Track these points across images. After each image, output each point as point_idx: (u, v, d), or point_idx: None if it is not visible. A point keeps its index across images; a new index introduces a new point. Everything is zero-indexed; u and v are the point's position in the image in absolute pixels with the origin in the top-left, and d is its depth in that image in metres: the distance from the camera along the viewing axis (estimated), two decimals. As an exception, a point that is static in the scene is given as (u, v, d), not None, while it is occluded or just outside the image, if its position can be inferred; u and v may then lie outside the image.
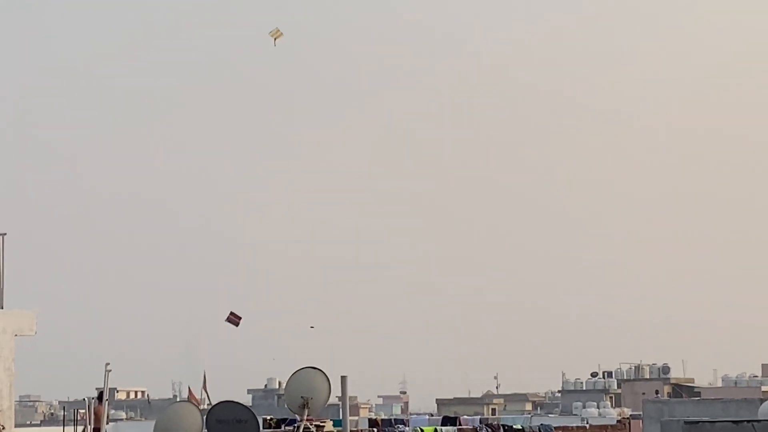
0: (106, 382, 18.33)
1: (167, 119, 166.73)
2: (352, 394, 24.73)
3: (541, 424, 25.43)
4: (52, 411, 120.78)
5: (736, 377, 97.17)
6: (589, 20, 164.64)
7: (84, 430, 18.62)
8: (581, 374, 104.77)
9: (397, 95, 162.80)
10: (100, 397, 21.98)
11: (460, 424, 26.44)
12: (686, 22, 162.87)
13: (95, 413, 21.56)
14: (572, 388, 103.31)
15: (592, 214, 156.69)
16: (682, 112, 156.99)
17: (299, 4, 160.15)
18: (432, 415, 57.69)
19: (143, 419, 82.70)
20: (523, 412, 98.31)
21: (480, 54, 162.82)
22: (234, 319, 29.84)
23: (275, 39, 28.82)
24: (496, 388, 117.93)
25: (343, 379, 22.63)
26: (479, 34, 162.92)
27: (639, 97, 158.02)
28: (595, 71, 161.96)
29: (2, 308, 24.15)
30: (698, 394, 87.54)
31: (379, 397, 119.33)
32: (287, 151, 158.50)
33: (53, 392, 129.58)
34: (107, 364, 18.31)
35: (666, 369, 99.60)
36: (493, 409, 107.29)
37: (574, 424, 26.97)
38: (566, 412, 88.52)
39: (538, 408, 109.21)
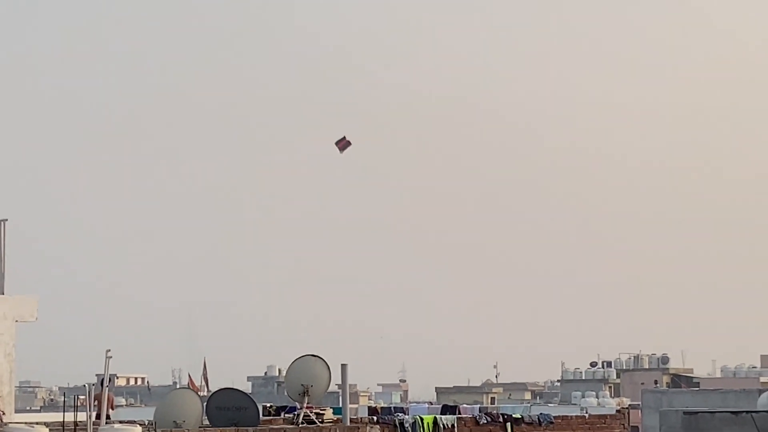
0: (106, 368, 18.36)
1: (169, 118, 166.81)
2: (351, 382, 24.75)
3: (541, 414, 25.41)
4: (52, 397, 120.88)
5: (735, 368, 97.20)
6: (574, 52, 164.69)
7: (86, 416, 18.65)
8: (580, 364, 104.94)
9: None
10: (101, 384, 22.03)
11: (459, 413, 26.44)
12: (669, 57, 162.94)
13: (108, 399, 21.48)
14: (571, 377, 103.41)
15: (585, 205, 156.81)
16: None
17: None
18: (431, 404, 57.85)
19: (143, 406, 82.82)
20: (522, 401, 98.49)
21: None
22: (343, 144, 28.97)
23: None
24: (496, 377, 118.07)
25: (344, 367, 22.67)
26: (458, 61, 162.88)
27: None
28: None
29: (3, 294, 24.19)
30: (697, 384, 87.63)
31: (378, 385, 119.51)
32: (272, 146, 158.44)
33: (53, 378, 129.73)
34: (108, 350, 18.34)
35: (665, 359, 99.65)
36: (493, 398, 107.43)
37: (573, 414, 26.96)
38: (565, 401, 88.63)
39: (538, 397, 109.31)
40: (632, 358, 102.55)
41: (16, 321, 24.20)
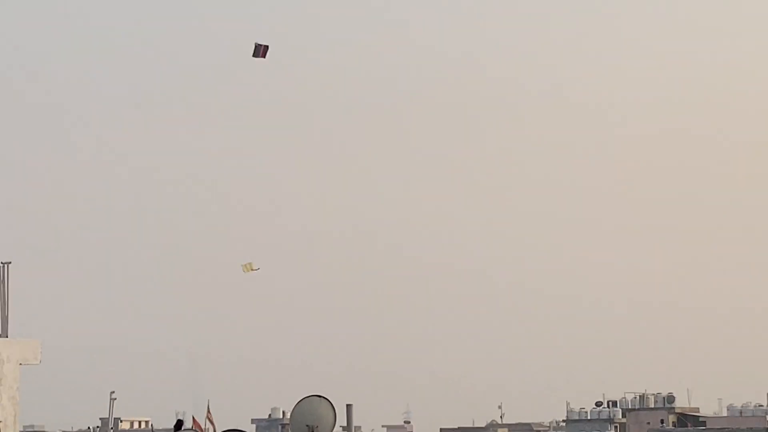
0: (111, 410, 18.30)
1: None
2: (356, 423, 24.67)
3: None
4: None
5: (742, 407, 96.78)
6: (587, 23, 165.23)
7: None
8: (586, 404, 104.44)
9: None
10: (106, 426, 21.94)
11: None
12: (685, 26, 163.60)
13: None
14: (577, 417, 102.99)
15: (594, 238, 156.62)
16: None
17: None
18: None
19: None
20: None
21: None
22: (261, 51, 27.86)
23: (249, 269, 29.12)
24: (501, 417, 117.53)
25: (349, 407, 22.59)
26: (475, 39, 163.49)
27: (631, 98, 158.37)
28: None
29: (7, 337, 24.10)
30: (703, 423, 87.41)
31: (383, 426, 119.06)
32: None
33: (58, 422, 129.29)
34: (112, 392, 18.28)
35: (671, 398, 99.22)
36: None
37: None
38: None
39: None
40: (638, 397, 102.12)
41: (20, 364, 24.10)
